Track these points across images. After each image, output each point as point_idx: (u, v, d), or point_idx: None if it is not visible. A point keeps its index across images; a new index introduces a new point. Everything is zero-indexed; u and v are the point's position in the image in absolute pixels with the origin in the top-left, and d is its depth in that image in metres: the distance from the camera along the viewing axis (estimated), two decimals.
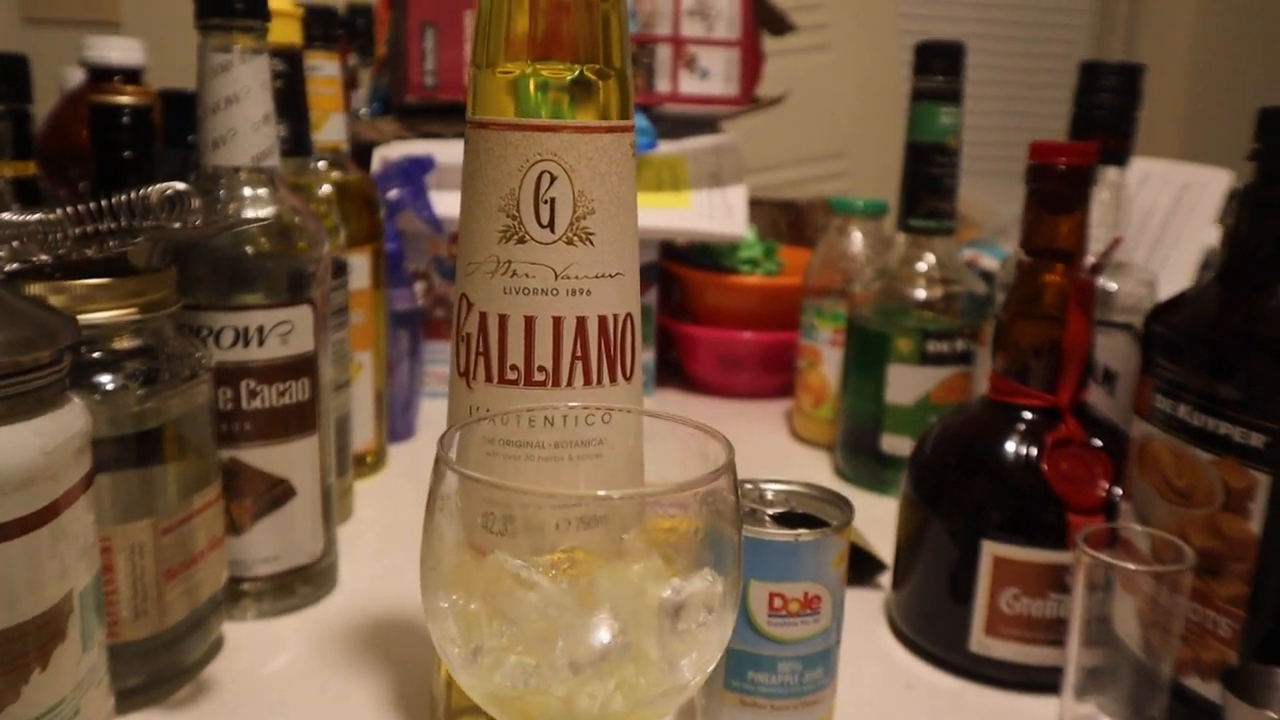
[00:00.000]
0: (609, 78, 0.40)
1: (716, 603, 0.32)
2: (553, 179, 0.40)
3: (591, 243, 0.40)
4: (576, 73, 0.40)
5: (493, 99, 0.40)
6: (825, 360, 0.92)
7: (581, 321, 0.41)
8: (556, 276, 0.40)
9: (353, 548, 0.69)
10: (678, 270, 1.08)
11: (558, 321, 0.40)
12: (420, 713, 0.51)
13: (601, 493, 0.32)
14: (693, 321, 1.07)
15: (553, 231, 0.40)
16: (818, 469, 0.89)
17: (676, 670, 0.32)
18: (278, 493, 0.59)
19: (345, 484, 0.73)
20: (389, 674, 0.55)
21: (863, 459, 0.84)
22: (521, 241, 0.40)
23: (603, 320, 0.41)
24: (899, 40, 1.94)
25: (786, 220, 1.29)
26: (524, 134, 0.39)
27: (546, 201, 0.40)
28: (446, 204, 0.93)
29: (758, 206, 1.24)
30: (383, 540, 0.72)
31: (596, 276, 0.41)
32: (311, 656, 0.56)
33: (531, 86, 0.40)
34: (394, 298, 0.87)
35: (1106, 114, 0.70)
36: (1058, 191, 0.56)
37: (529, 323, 0.40)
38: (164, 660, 0.51)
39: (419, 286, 0.98)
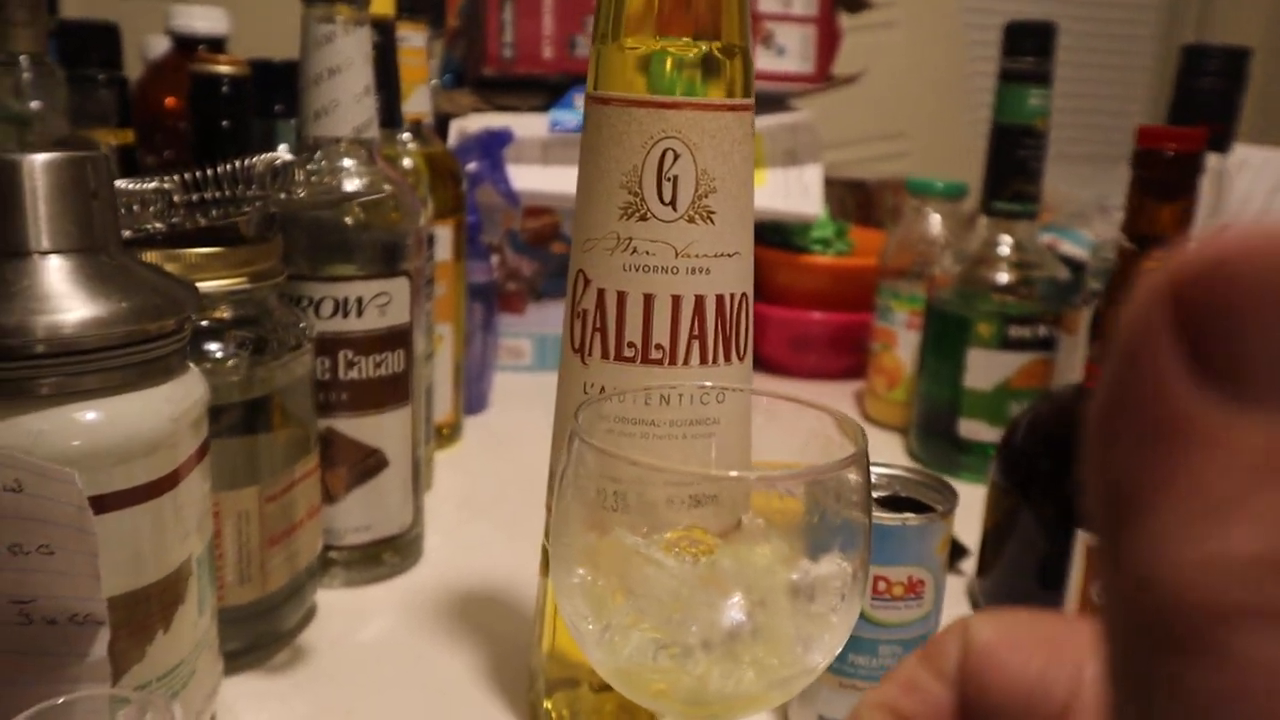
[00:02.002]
0: (734, 55, 0.40)
1: (848, 587, 0.32)
2: (676, 156, 0.39)
3: (712, 221, 0.40)
4: (703, 49, 0.39)
5: (617, 74, 0.40)
6: (901, 343, 0.91)
7: (700, 300, 0.40)
8: (677, 255, 0.40)
9: (435, 518, 0.69)
10: None
11: (676, 300, 0.40)
12: (515, 684, 0.52)
13: (735, 474, 0.32)
14: (762, 300, 1.07)
15: (674, 209, 0.40)
16: (891, 452, 0.88)
17: (810, 652, 0.32)
18: (371, 463, 0.59)
19: (427, 455, 0.74)
20: (481, 644, 0.55)
21: (938, 443, 0.83)
22: (643, 219, 0.40)
23: (720, 300, 0.41)
24: (962, 19, 1.91)
25: (855, 200, 1.28)
26: (649, 111, 0.39)
27: (669, 179, 0.39)
28: (523, 178, 0.93)
29: (827, 186, 1.22)
30: (463, 511, 0.72)
31: (716, 255, 0.40)
32: (403, 626, 0.57)
33: (658, 63, 0.40)
34: (471, 270, 0.87)
35: (1210, 98, 0.68)
36: (1165, 178, 0.55)
37: (648, 300, 0.40)
38: (264, 626, 0.52)
39: (493, 260, 0.98)
